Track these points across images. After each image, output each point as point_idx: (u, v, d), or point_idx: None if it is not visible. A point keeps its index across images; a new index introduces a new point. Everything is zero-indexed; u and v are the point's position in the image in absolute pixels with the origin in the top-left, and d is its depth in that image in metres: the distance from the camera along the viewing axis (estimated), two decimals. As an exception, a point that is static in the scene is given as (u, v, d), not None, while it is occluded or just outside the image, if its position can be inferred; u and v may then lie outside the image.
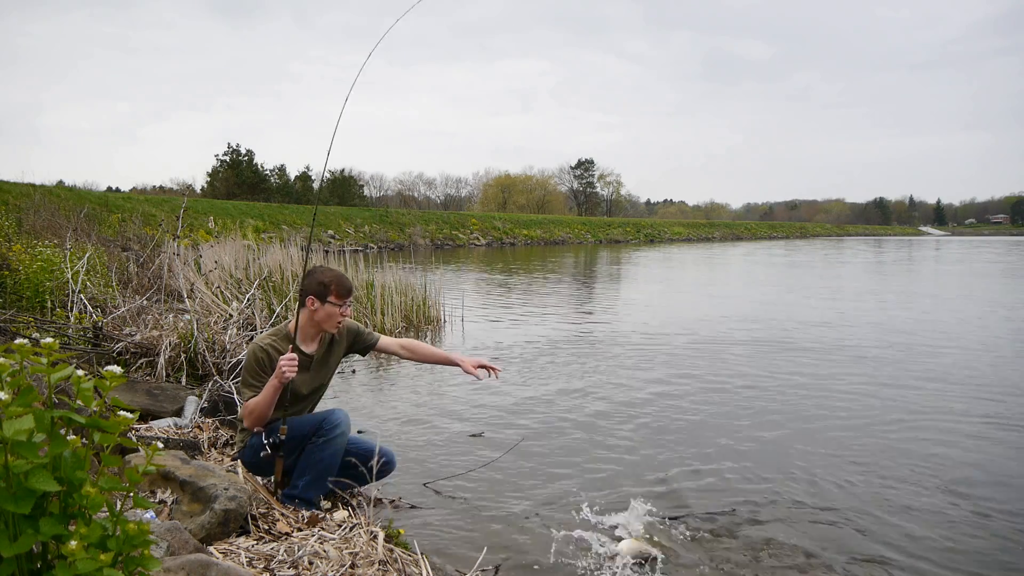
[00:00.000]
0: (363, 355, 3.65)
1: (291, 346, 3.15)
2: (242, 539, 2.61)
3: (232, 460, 3.51)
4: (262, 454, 3.11)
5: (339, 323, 3.28)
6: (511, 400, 5.69)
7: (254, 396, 3.09)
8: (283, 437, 3.07)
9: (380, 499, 3.43)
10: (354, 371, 6.67)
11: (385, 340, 3.55)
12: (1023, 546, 3.20)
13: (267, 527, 2.74)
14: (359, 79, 3.53)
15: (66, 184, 33.50)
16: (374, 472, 3.15)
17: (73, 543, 1.27)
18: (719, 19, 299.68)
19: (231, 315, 6.99)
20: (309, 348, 3.30)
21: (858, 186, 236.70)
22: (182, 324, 5.62)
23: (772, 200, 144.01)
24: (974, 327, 9.82)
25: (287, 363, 2.98)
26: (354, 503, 3.28)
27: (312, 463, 3.08)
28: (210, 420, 4.32)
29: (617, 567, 2.93)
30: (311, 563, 2.44)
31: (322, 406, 3.47)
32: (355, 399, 5.71)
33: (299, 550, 2.50)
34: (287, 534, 2.71)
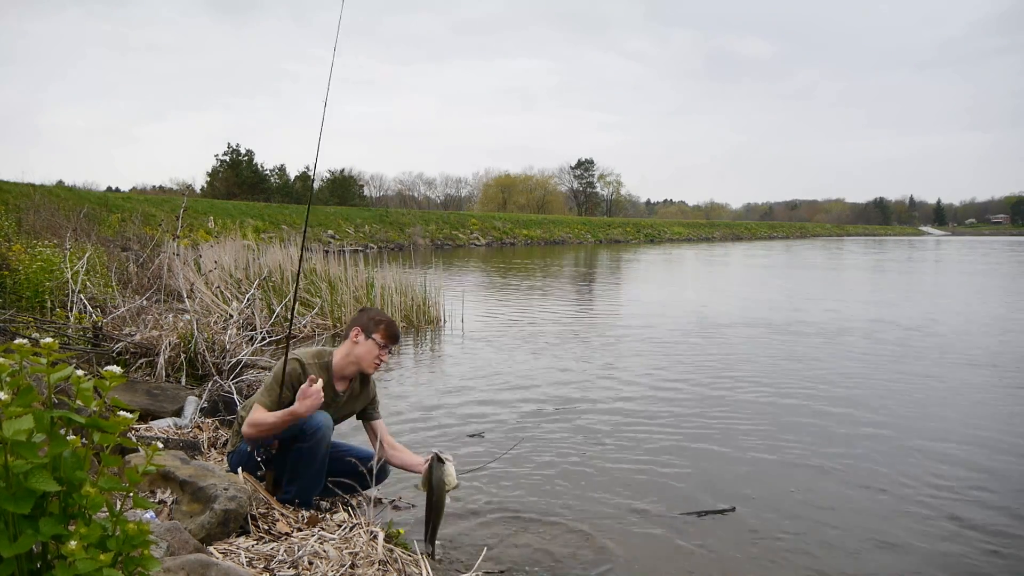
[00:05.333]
0: (361, 419, 3.46)
1: (325, 377, 3.11)
2: (242, 539, 2.61)
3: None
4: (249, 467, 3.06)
5: (377, 364, 3.21)
6: (511, 400, 5.69)
7: (267, 407, 3.00)
8: (274, 452, 3.05)
9: (380, 499, 3.43)
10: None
11: (381, 425, 3.39)
12: None
13: (267, 527, 2.74)
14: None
15: (66, 184, 33.46)
16: (374, 474, 3.14)
17: (73, 543, 1.27)
18: (720, 17, 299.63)
19: (231, 315, 6.99)
20: (340, 387, 3.23)
21: (858, 186, 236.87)
22: (182, 324, 5.62)
23: (772, 200, 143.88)
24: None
25: (318, 396, 2.91)
26: (354, 503, 3.29)
27: (300, 469, 3.04)
28: (210, 420, 4.32)
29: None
30: (311, 563, 2.44)
31: None
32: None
33: (299, 550, 2.50)
34: (287, 534, 2.71)
